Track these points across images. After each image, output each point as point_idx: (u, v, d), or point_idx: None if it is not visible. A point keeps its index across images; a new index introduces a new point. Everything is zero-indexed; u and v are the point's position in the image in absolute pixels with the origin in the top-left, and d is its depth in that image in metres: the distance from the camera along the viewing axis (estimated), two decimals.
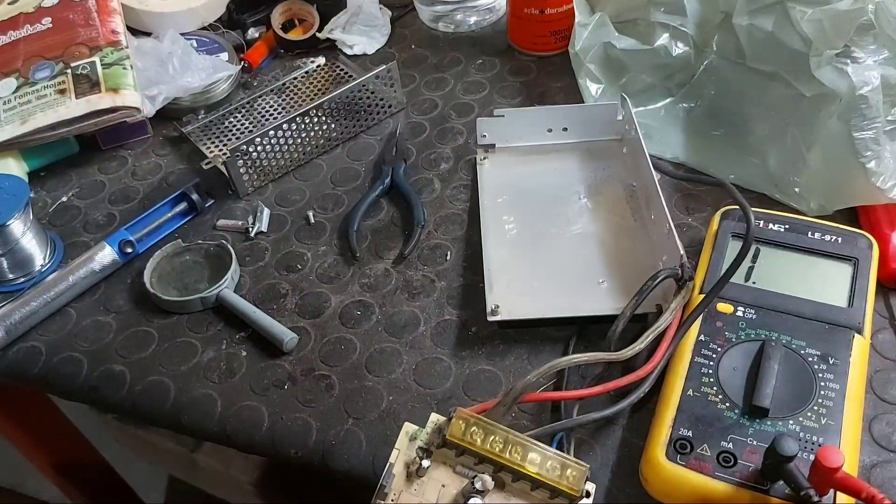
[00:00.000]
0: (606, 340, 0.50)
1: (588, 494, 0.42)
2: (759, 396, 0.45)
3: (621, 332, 0.51)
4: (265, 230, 0.67)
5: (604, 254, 0.59)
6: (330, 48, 0.85)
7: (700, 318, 0.50)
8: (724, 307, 0.51)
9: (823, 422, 0.44)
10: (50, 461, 0.94)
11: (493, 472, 0.43)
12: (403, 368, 0.55)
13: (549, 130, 0.69)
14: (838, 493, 0.41)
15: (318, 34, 0.85)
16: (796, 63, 0.60)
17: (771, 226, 0.55)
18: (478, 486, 0.42)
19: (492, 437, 0.43)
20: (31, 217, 0.65)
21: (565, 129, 0.69)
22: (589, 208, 0.63)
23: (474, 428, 0.43)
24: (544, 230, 0.62)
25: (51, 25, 0.78)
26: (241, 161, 0.68)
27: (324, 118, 0.73)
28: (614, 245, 0.60)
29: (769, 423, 0.45)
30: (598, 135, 0.69)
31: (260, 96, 0.80)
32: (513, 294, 0.57)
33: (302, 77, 0.82)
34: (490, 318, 0.55)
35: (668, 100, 0.71)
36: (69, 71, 0.74)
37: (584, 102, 0.70)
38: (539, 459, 0.42)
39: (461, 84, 0.79)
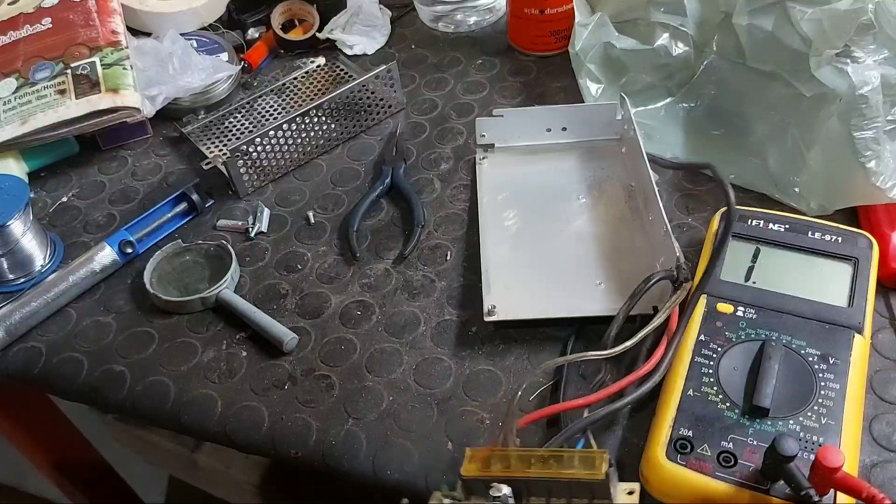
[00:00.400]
0: (602, 343, 0.50)
1: (632, 492, 0.42)
2: (760, 396, 0.45)
3: (616, 334, 0.51)
4: (265, 230, 0.67)
5: (602, 254, 0.59)
6: (330, 48, 0.85)
7: (700, 317, 0.50)
8: (724, 307, 0.51)
9: (823, 422, 0.44)
10: (50, 461, 0.94)
11: (526, 497, 0.42)
12: (403, 368, 0.55)
13: (549, 130, 0.69)
14: (838, 493, 0.41)
15: (318, 34, 0.85)
16: (796, 63, 0.60)
17: (771, 226, 0.55)
18: (493, 493, 0.41)
19: (511, 462, 0.42)
20: (31, 217, 0.65)
21: (564, 129, 0.69)
22: (588, 208, 0.63)
23: (490, 460, 0.42)
24: (543, 230, 0.62)
25: (51, 26, 0.78)
26: (241, 161, 0.68)
27: (324, 118, 0.73)
28: (613, 245, 0.60)
29: (769, 422, 0.45)
30: (597, 134, 0.68)
31: (260, 96, 0.80)
32: (510, 294, 0.57)
33: (302, 77, 0.82)
34: (487, 319, 0.55)
35: (668, 100, 0.71)
36: (69, 71, 0.74)
37: (583, 102, 0.70)
38: (562, 461, 0.41)
39: (461, 84, 0.79)
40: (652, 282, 0.52)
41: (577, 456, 0.42)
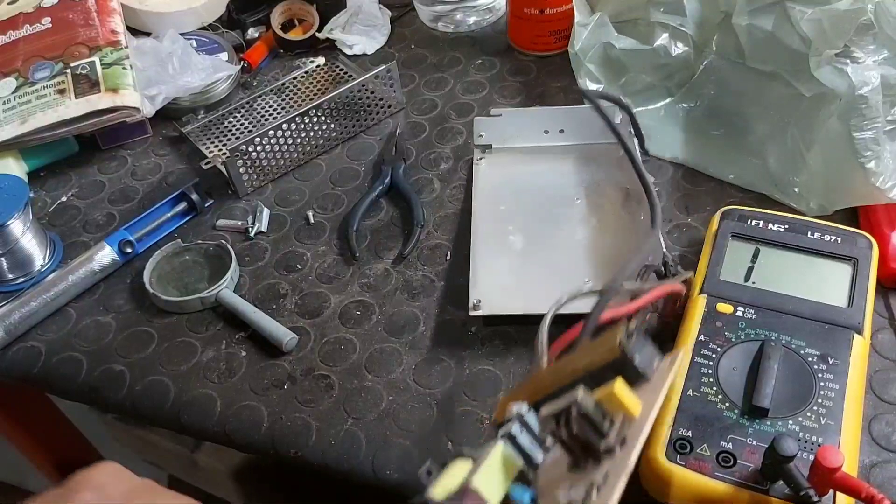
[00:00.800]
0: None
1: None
2: (759, 396, 0.45)
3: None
4: (265, 230, 0.67)
5: (596, 255, 0.59)
6: (330, 48, 0.85)
7: (700, 317, 0.50)
8: (724, 307, 0.51)
9: (823, 422, 0.44)
10: (50, 461, 0.94)
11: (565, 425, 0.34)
12: (403, 368, 0.55)
13: (546, 132, 0.69)
14: (838, 493, 0.41)
15: (317, 34, 0.85)
16: (796, 63, 0.60)
17: (771, 226, 0.55)
18: (506, 416, 0.34)
19: (540, 385, 0.36)
20: (31, 217, 0.65)
21: (562, 131, 0.69)
22: (584, 209, 0.63)
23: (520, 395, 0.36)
24: (538, 230, 0.62)
25: (50, 25, 0.78)
26: (240, 161, 0.68)
27: (324, 118, 0.73)
28: (607, 246, 0.60)
29: (769, 423, 0.45)
30: (596, 137, 0.68)
31: (260, 96, 0.80)
32: (497, 290, 0.57)
33: (302, 77, 0.82)
34: (472, 313, 0.55)
35: (667, 100, 0.71)
36: (69, 71, 0.74)
37: (583, 103, 0.70)
38: (577, 357, 0.36)
39: (461, 84, 0.79)
40: (634, 264, 0.47)
41: (595, 343, 0.35)
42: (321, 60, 0.83)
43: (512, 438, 0.33)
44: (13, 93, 0.73)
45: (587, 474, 0.32)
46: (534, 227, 0.62)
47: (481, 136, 0.69)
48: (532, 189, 0.66)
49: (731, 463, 0.43)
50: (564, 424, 0.33)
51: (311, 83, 0.81)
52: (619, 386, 0.33)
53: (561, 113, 0.69)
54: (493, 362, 0.55)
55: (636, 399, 0.33)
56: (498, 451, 0.33)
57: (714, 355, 0.48)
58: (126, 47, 0.76)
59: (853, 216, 0.60)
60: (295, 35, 0.86)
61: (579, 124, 0.68)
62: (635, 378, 0.34)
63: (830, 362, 0.47)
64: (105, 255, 0.64)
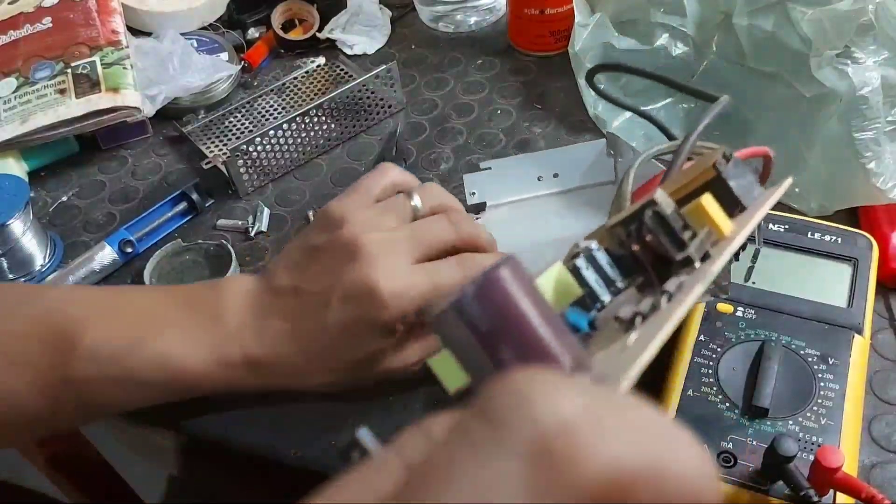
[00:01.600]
0: None
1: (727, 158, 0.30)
2: (759, 396, 0.45)
3: None
4: (265, 230, 0.67)
5: None
6: (330, 48, 0.85)
7: (700, 317, 0.50)
8: (724, 307, 0.51)
9: (823, 422, 0.44)
10: (49, 461, 0.94)
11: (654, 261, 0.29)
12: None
13: (540, 178, 0.65)
14: (838, 494, 0.41)
15: (318, 34, 0.85)
16: (796, 63, 0.60)
17: (771, 226, 0.55)
18: (573, 251, 0.30)
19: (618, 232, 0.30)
20: (31, 217, 0.65)
21: (556, 175, 0.65)
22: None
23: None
24: None
25: (51, 25, 0.78)
26: (241, 161, 0.68)
27: (324, 118, 0.73)
28: None
29: (769, 423, 0.45)
30: (590, 178, 0.64)
31: (260, 96, 0.80)
32: None
33: (302, 77, 0.82)
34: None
35: (667, 100, 0.71)
36: (69, 71, 0.74)
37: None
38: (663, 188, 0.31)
39: (461, 84, 0.79)
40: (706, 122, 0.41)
41: (687, 170, 0.31)
42: (321, 60, 0.83)
43: (575, 270, 0.29)
44: (13, 92, 0.73)
45: (657, 291, 0.28)
46: None
47: (473, 194, 0.64)
48: (548, 243, 0.60)
49: (732, 463, 0.43)
50: (636, 232, 0.28)
51: (312, 83, 0.81)
52: (708, 199, 0.28)
53: (552, 156, 0.65)
54: None
55: (726, 217, 0.29)
56: (552, 272, 0.28)
57: (714, 355, 0.48)
58: (126, 47, 0.76)
59: (853, 216, 0.60)
60: (295, 35, 0.86)
61: (572, 166, 0.64)
62: (730, 203, 0.30)
63: (830, 362, 0.47)
64: (105, 254, 0.64)
